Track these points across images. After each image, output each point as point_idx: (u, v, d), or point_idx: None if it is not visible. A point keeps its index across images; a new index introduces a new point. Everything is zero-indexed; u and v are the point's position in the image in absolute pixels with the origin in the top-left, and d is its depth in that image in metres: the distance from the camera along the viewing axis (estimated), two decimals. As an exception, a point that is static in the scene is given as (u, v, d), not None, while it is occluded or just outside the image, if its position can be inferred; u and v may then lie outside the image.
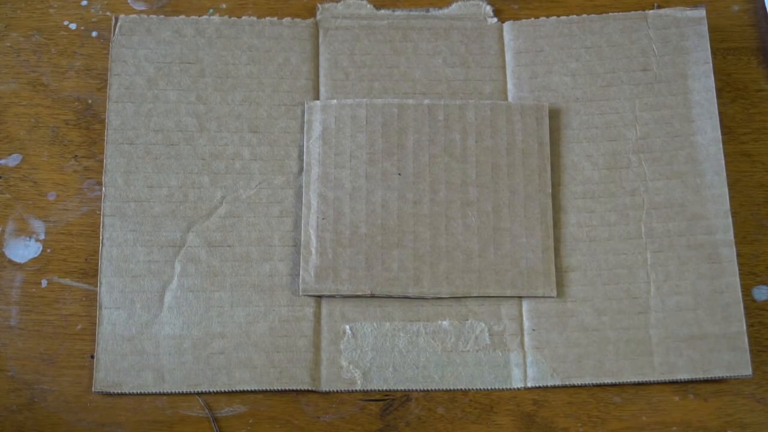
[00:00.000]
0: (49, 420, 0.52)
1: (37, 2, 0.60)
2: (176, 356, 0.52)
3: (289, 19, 0.58)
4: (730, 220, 0.54)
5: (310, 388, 0.52)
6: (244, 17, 0.58)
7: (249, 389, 0.52)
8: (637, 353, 0.53)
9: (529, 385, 0.53)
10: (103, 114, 0.57)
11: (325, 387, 0.52)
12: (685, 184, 0.55)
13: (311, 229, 0.54)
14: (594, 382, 0.53)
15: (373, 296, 0.53)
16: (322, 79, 0.57)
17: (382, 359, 0.53)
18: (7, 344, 0.54)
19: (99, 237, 0.54)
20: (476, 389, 0.53)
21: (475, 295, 0.53)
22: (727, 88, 0.59)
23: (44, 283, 0.55)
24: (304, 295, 0.53)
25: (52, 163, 0.57)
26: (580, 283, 0.54)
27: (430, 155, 0.55)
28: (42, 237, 0.56)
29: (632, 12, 0.58)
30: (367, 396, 0.53)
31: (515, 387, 0.53)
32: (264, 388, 0.52)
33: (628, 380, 0.52)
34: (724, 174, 0.55)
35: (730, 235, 0.54)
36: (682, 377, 0.52)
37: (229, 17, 0.58)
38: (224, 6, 0.60)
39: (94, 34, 0.60)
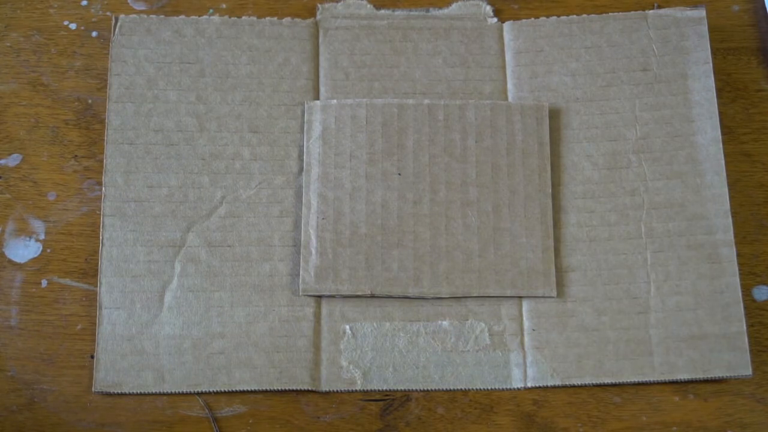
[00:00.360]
0: (49, 420, 0.52)
1: (37, 2, 0.60)
2: (176, 356, 0.52)
3: (289, 19, 0.58)
4: (730, 220, 0.54)
5: (310, 388, 0.52)
6: (244, 17, 0.58)
7: (249, 389, 0.52)
8: (637, 353, 0.53)
9: (529, 385, 0.53)
10: (103, 114, 0.57)
11: (325, 387, 0.52)
12: (685, 184, 0.55)
13: (311, 229, 0.54)
14: (594, 382, 0.53)
15: (373, 296, 0.53)
16: (322, 79, 0.57)
17: (382, 359, 0.53)
18: (7, 344, 0.54)
19: (99, 237, 0.54)
20: (476, 389, 0.53)
21: (475, 295, 0.53)
22: (727, 88, 0.59)
23: (44, 283, 0.55)
24: (304, 295, 0.53)
25: (52, 163, 0.57)
26: (580, 283, 0.54)
27: (430, 155, 0.55)
28: (42, 237, 0.56)
29: (632, 12, 0.58)
30: (367, 396, 0.53)
31: (515, 387, 0.53)
32: (264, 388, 0.52)
33: (628, 380, 0.52)
34: (724, 174, 0.55)
35: (730, 235, 0.54)
36: (682, 377, 0.52)
37: (229, 17, 0.58)
38: (224, 6, 0.60)
39: (94, 34, 0.60)
